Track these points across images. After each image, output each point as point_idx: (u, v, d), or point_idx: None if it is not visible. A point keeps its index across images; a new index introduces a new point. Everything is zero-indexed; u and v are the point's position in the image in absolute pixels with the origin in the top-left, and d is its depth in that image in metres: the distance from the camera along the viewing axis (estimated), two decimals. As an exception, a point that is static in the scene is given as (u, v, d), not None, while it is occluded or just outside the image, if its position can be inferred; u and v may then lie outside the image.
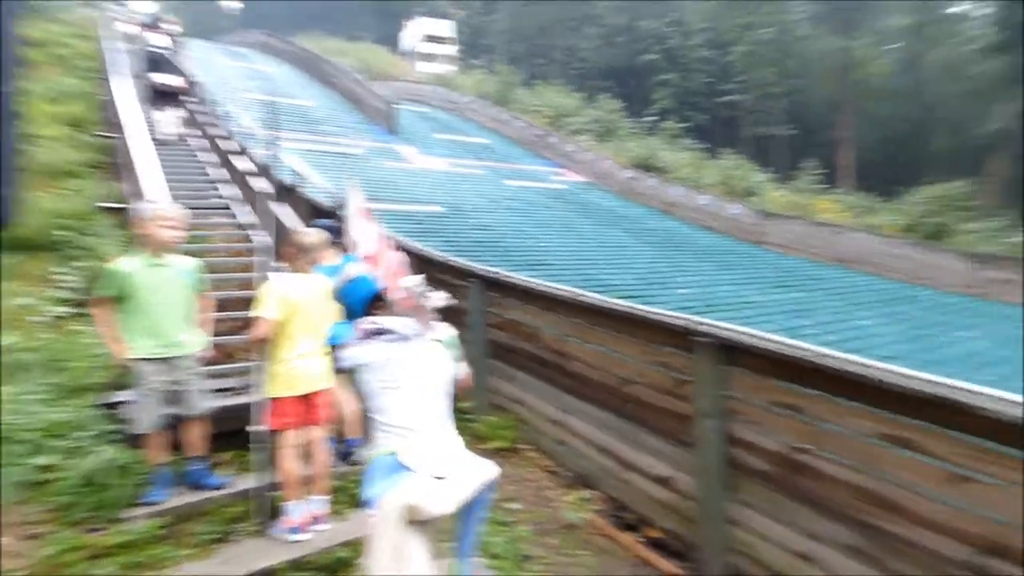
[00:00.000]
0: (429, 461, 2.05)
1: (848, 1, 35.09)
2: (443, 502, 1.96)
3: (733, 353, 2.81)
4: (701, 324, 2.94)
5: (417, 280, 2.38)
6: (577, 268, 11.83)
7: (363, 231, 3.94)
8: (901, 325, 9.97)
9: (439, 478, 2.02)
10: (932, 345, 8.93)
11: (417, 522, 1.95)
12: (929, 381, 2.17)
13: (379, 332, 2.25)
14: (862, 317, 10.20)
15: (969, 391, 2.08)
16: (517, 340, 4.45)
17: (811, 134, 35.93)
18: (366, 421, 2.26)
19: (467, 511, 2.15)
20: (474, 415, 4.59)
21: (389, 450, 2.09)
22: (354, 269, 2.33)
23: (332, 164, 14.90)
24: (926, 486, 2.19)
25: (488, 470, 2.14)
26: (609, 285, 10.73)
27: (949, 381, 2.15)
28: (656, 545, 3.17)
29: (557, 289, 4.05)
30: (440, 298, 2.37)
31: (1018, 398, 2.03)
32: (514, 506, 3.51)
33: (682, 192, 19.28)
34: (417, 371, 2.23)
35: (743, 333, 2.76)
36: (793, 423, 2.59)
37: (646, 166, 21.29)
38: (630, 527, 3.33)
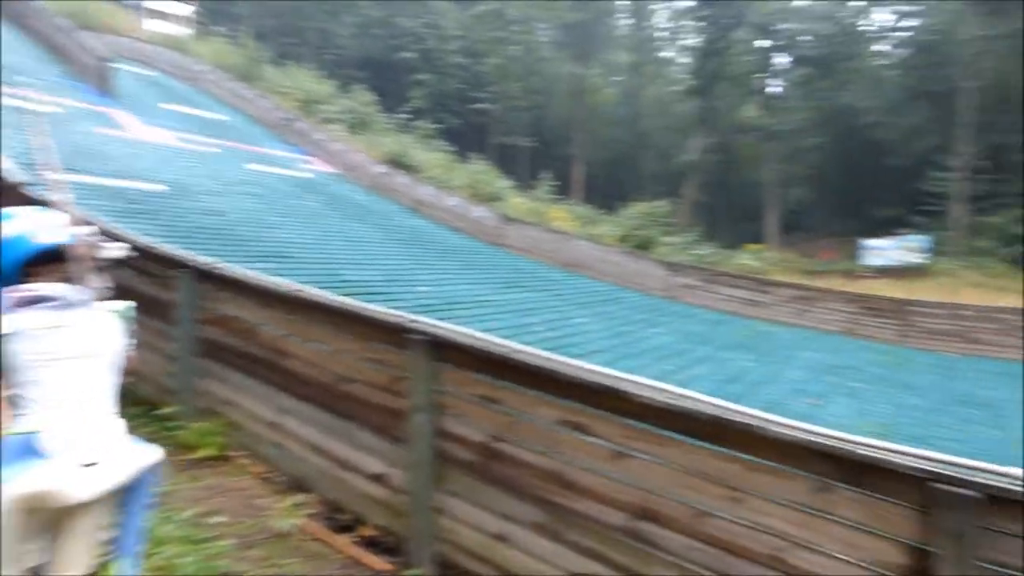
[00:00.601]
0: (75, 442, 1.75)
1: (582, 31, 39.35)
2: (83, 488, 1.68)
3: (443, 349, 2.90)
4: (415, 321, 2.99)
5: (91, 229, 2.01)
6: (321, 262, 11.38)
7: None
8: (609, 322, 11.49)
9: (86, 462, 1.73)
10: (631, 340, 10.43)
11: (51, 511, 1.66)
12: (599, 373, 2.49)
13: (37, 300, 1.85)
14: (580, 316, 11.51)
15: (629, 381, 2.42)
16: (232, 337, 4.06)
17: (550, 148, 39.53)
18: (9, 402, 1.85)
19: (124, 504, 1.88)
20: (179, 421, 4.09)
21: (28, 429, 1.73)
22: (7, 228, 1.88)
23: (7, 121, 12.17)
24: (595, 464, 2.49)
25: (148, 455, 1.89)
26: (353, 281, 10.51)
27: (615, 373, 2.49)
28: (370, 543, 3.15)
29: (276, 284, 3.80)
30: (117, 248, 2.04)
31: (666, 387, 2.43)
32: (216, 520, 3.19)
33: (432, 192, 19.74)
34: (79, 342, 1.88)
35: (452, 331, 2.87)
36: (493, 414, 2.77)
37: (398, 163, 21.34)
38: (345, 528, 3.26)
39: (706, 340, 11.64)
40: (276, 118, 22.75)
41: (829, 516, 2.05)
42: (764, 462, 2.17)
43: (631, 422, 2.41)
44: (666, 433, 2.33)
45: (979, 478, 1.83)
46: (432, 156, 25.20)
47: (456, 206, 19.42)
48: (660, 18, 45.10)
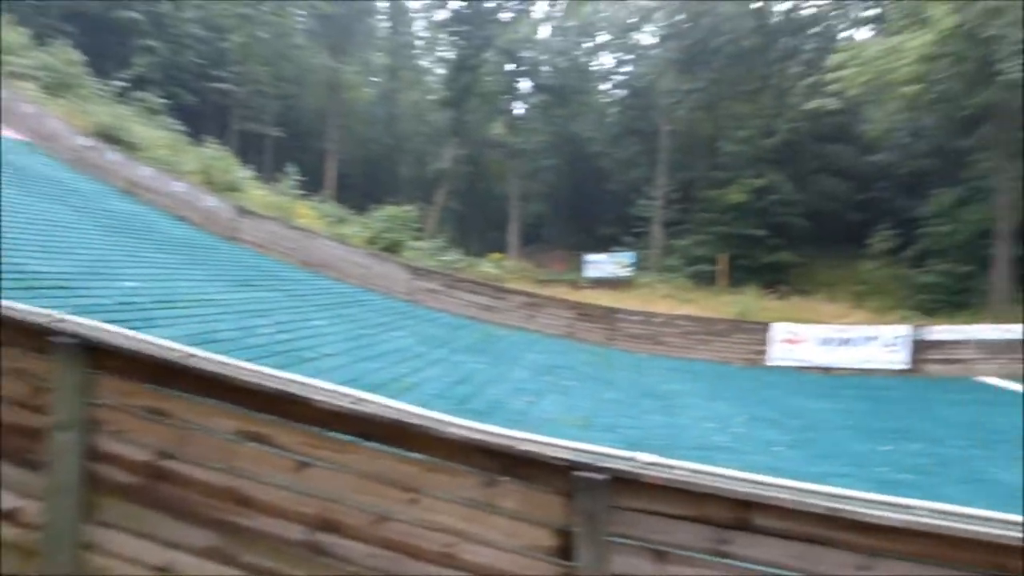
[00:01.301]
0: None
1: (340, 26, 38.22)
2: None
3: (99, 355, 2.48)
4: (62, 321, 2.51)
5: None
6: (-11, 248, 9.25)
7: None
8: (349, 325, 11.24)
9: None
10: (371, 343, 10.33)
11: None
12: (280, 378, 2.34)
13: None
14: (318, 318, 11.05)
15: (309, 386, 2.32)
16: None
17: (300, 140, 37.58)
18: None
19: None
20: None
21: None
22: None
23: None
24: (275, 476, 2.34)
25: None
26: (35, 273, 8.78)
27: (296, 377, 2.37)
28: (-10, 597, 2.55)
29: None
30: None
31: (347, 390, 2.38)
32: None
33: (153, 174, 17.36)
34: None
35: (111, 332, 2.48)
36: (161, 428, 2.44)
37: (111, 137, 18.37)
38: (-46, 584, 2.60)
39: (443, 343, 12.03)
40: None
41: (494, 508, 2.19)
42: (439, 461, 2.24)
43: (313, 429, 2.32)
44: (348, 438, 2.29)
45: (608, 463, 2.09)
46: (157, 134, 22.26)
47: (183, 193, 17.34)
48: (418, 26, 45.89)
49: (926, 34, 19.64)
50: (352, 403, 2.24)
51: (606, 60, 39.62)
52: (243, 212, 17.15)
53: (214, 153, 22.46)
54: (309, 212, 21.77)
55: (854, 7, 29.50)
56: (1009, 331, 14.81)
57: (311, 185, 28.82)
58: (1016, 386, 13.11)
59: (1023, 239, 20.65)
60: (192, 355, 2.38)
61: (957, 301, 21.38)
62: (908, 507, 2.02)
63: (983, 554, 1.92)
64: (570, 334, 16.41)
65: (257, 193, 21.34)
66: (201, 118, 32.35)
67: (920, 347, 15.06)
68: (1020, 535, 1.88)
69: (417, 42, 46.43)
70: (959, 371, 14.59)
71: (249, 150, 33.61)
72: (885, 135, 27.16)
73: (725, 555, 2.04)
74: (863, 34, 28.56)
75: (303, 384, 2.29)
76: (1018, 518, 2.00)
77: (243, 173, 22.86)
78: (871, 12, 28.15)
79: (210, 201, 17.29)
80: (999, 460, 7.63)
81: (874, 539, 1.96)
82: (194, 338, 7.14)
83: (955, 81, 21.18)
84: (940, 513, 2.01)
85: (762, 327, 16.17)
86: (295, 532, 2.32)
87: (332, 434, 2.30)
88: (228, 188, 19.63)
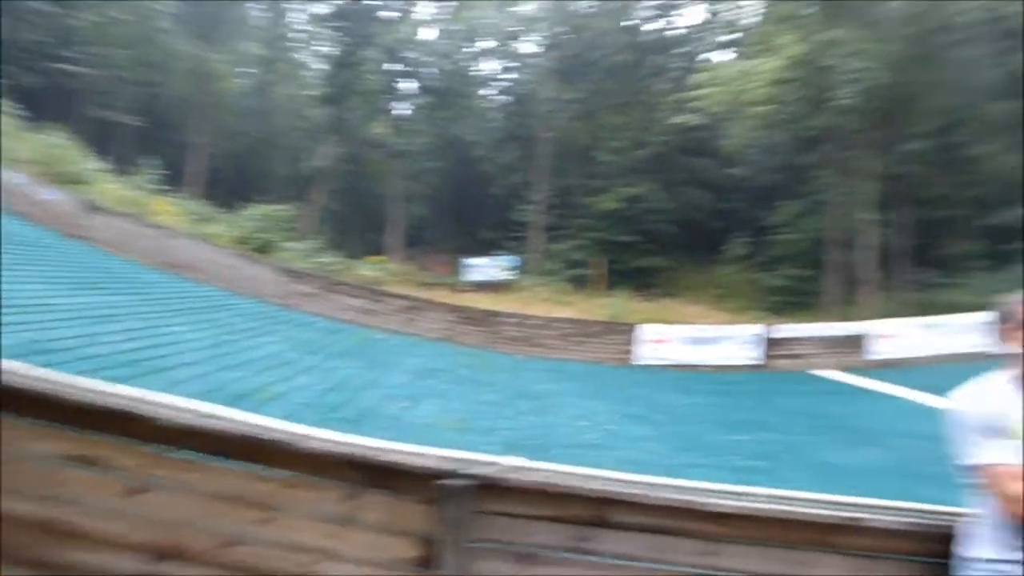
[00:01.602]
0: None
1: (209, 12, 35.80)
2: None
3: None
4: None
5: None
6: None
7: None
8: (213, 331, 10.51)
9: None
10: (236, 350, 9.70)
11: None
12: (115, 394, 2.13)
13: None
14: (177, 324, 10.23)
15: (151, 401, 2.13)
16: None
17: (162, 131, 34.70)
18: None
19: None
20: None
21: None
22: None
23: None
24: (108, 503, 2.11)
25: None
26: None
27: (136, 392, 2.16)
28: None
29: None
30: None
31: (195, 404, 2.20)
32: None
33: (-20, 163, 15.31)
34: None
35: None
36: (-32, 456, 2.13)
37: (-76, 118, 15.98)
38: None
39: (317, 349, 11.58)
40: None
41: (356, 522, 2.12)
42: (299, 476, 2.13)
43: (155, 448, 2.12)
44: (195, 457, 2.12)
45: (473, 469, 2.10)
46: (-13, 119, 19.62)
47: (18, 185, 15.42)
48: (297, 18, 43.82)
49: (776, 60, 21.67)
50: (196, 419, 2.07)
51: (490, 65, 40.07)
52: (91, 207, 15.54)
53: (56, 141, 20.16)
54: (170, 208, 20.12)
55: (715, 31, 31.98)
56: (840, 328, 16.73)
57: (176, 180, 26.72)
58: (846, 377, 14.78)
59: (851, 247, 23.32)
60: (7, 370, 2.10)
61: (801, 302, 23.77)
62: (746, 494, 2.20)
63: (813, 533, 2.13)
64: (450, 337, 16.38)
65: (109, 187, 19.41)
66: (44, 102, 28.94)
67: (771, 344, 16.56)
68: (844, 514, 2.12)
69: (295, 35, 44.39)
70: (801, 365, 16.21)
71: (108, 140, 30.59)
72: (742, 150, 29.60)
73: (585, 552, 2.11)
74: (725, 56, 30.95)
75: (144, 399, 2.09)
76: (842, 498, 2.24)
77: (92, 164, 20.73)
78: (731, 36, 30.61)
79: (50, 194, 15.51)
80: (831, 445, 8.55)
81: (718, 526, 2.11)
82: (25, 347, 6.37)
83: (800, 104, 23.55)
84: (776, 498, 2.20)
85: (631, 328, 17.03)
86: (129, 564, 2.11)
87: (178, 453, 2.12)
88: (73, 180, 17.70)
